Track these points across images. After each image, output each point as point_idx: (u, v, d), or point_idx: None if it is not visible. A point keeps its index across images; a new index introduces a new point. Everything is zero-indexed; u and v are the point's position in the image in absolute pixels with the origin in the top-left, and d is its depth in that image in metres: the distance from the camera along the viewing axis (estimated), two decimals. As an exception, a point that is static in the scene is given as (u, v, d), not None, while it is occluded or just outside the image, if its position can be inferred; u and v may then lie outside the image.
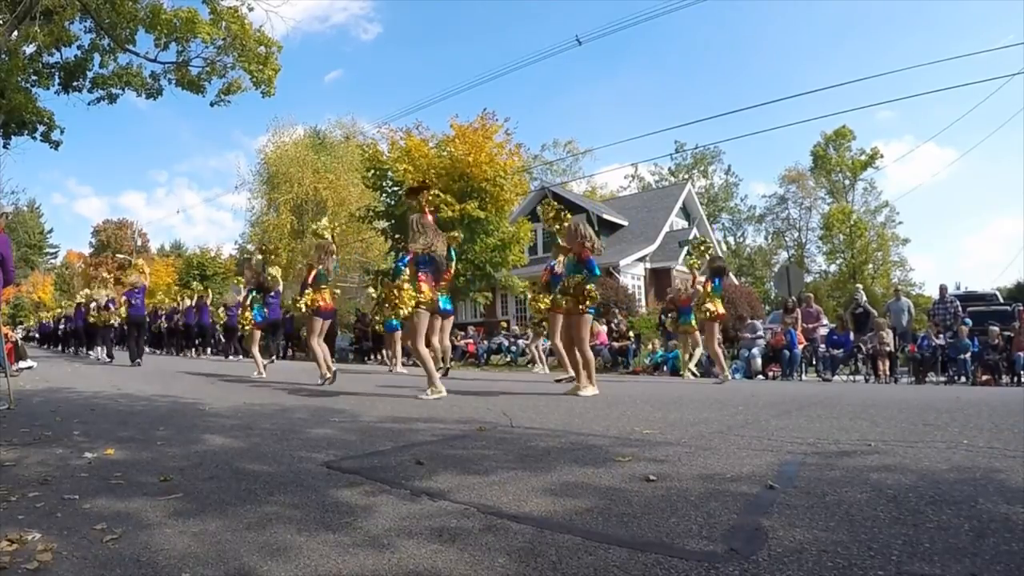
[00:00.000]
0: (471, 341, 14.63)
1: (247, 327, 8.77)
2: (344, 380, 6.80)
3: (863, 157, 35.44)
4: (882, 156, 35.33)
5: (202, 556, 1.45)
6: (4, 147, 11.88)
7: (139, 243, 44.73)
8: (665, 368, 10.66)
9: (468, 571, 1.36)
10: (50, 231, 49.42)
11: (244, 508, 1.85)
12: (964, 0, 43.40)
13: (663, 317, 12.30)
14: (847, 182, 36.52)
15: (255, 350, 8.40)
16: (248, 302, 8.57)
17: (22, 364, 8.30)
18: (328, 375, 6.32)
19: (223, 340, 14.86)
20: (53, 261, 49.54)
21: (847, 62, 47.30)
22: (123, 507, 1.86)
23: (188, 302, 15.89)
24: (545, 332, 8.53)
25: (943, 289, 12.00)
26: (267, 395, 5.47)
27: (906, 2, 47.24)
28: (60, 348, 20.02)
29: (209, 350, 15.95)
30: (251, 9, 10.82)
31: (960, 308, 11.34)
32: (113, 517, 1.75)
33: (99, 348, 12.96)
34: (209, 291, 17.74)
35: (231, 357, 13.54)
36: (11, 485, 2.11)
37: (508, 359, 13.60)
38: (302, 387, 6.31)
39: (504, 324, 18.05)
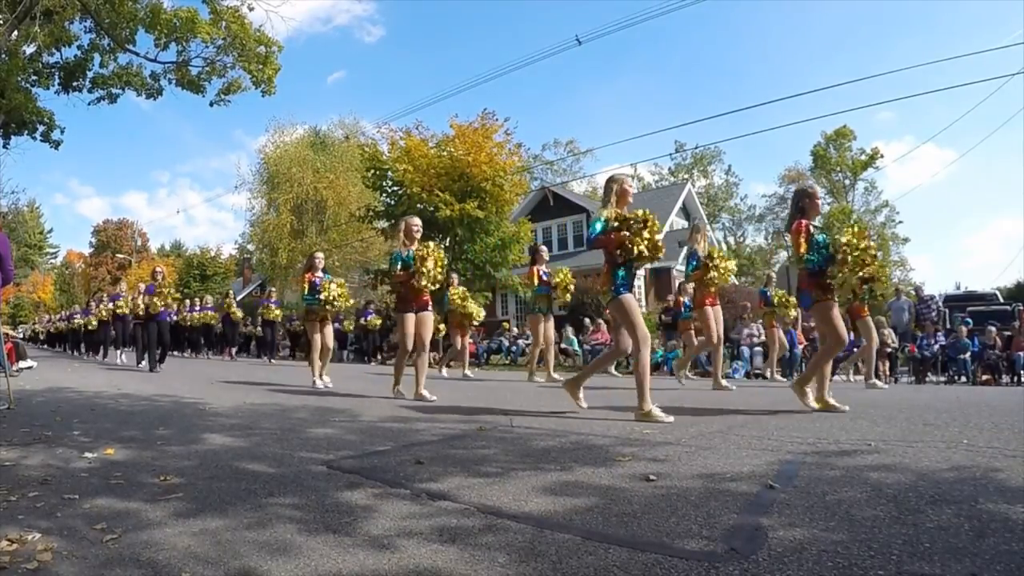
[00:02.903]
0: (471, 341, 14.62)
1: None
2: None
3: (863, 157, 35.42)
4: (882, 156, 35.32)
5: (202, 556, 1.45)
6: (4, 147, 11.88)
7: (139, 243, 44.71)
8: (664, 368, 10.66)
9: (468, 571, 1.36)
10: (50, 231, 49.46)
11: (244, 508, 1.85)
12: (964, 0, 43.40)
13: (662, 317, 12.33)
14: (847, 182, 36.50)
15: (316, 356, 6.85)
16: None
17: (22, 364, 8.29)
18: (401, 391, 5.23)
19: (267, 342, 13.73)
20: (53, 261, 49.57)
21: (847, 63, 47.33)
22: (123, 507, 1.86)
23: (208, 300, 15.23)
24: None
25: (918, 290, 12.18)
26: (267, 395, 5.47)
27: (906, 3, 47.24)
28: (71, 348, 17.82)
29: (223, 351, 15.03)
30: (251, 9, 10.83)
31: (941, 306, 11.47)
32: (113, 517, 1.75)
33: (121, 351, 11.91)
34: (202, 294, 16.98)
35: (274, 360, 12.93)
36: (11, 485, 2.11)
37: (509, 359, 13.60)
38: (302, 387, 6.31)
39: (505, 324, 18.04)
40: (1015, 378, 9.38)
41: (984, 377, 9.62)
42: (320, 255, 7.08)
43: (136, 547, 1.51)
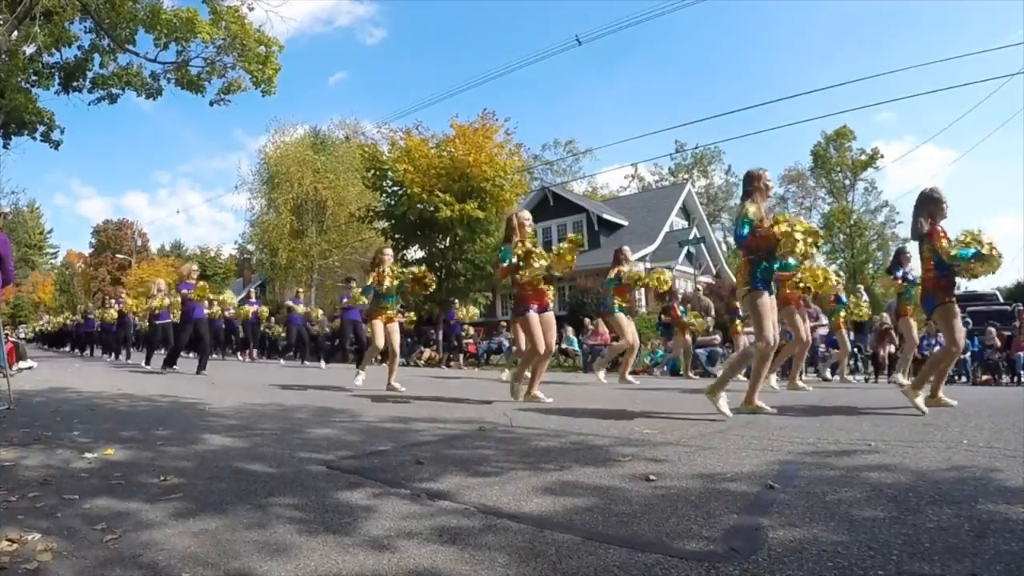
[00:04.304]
0: (471, 341, 14.65)
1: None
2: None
3: (863, 157, 35.43)
4: (882, 156, 35.32)
5: (202, 556, 1.45)
6: (4, 147, 11.88)
7: (139, 243, 44.70)
8: (665, 368, 10.66)
9: (468, 571, 1.36)
10: (50, 231, 49.54)
11: (244, 508, 1.85)
12: (965, 1, 43.42)
13: (661, 317, 12.32)
14: (847, 182, 36.51)
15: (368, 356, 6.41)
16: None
17: (22, 364, 8.29)
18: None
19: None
20: (53, 261, 49.59)
21: (847, 63, 47.34)
22: (123, 507, 1.86)
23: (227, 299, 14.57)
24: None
25: None
26: (268, 395, 5.46)
27: (906, 3, 47.24)
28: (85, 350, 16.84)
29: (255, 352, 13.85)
30: (251, 9, 10.82)
31: None
32: (113, 517, 1.75)
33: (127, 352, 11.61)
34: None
35: (324, 364, 11.73)
36: (11, 485, 2.11)
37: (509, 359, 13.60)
38: (302, 387, 6.31)
39: (504, 324, 18.05)
40: (1015, 378, 9.38)
41: (984, 377, 9.63)
42: (389, 251, 6.48)
43: (136, 547, 1.51)
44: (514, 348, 8.00)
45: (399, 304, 6.31)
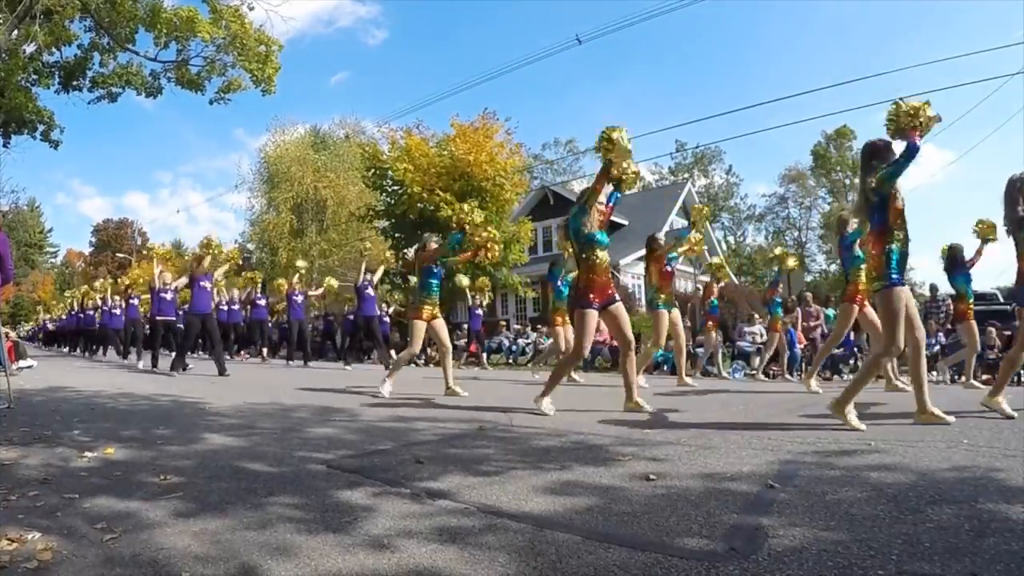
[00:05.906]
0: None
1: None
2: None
3: (863, 157, 35.41)
4: (882, 156, 35.28)
5: (202, 555, 1.45)
6: (4, 146, 11.88)
7: (139, 242, 44.70)
8: (665, 368, 10.66)
9: (468, 570, 1.36)
10: (50, 230, 49.53)
11: (244, 508, 1.85)
12: (965, 1, 43.40)
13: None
14: (848, 181, 36.50)
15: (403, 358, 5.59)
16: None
17: (22, 364, 8.30)
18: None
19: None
20: (53, 260, 49.62)
21: (847, 63, 47.26)
22: (123, 507, 1.86)
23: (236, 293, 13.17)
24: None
25: (934, 288, 12.03)
26: (268, 395, 5.46)
27: (906, 3, 47.22)
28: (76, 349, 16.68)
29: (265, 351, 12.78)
30: (251, 8, 10.82)
31: (951, 308, 11.41)
32: (113, 517, 1.75)
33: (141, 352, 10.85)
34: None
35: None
36: (11, 485, 2.11)
37: (510, 359, 13.62)
38: (302, 387, 6.31)
39: (504, 323, 18.05)
40: (1015, 378, 9.38)
41: (984, 377, 9.61)
42: (436, 237, 5.81)
43: (136, 547, 1.51)
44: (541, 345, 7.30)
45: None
